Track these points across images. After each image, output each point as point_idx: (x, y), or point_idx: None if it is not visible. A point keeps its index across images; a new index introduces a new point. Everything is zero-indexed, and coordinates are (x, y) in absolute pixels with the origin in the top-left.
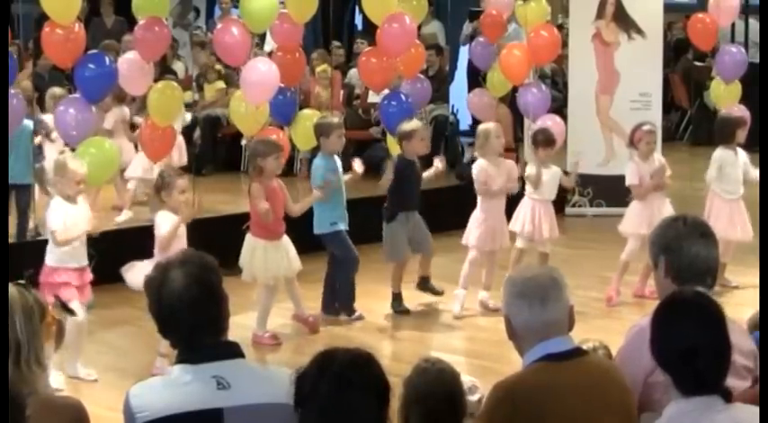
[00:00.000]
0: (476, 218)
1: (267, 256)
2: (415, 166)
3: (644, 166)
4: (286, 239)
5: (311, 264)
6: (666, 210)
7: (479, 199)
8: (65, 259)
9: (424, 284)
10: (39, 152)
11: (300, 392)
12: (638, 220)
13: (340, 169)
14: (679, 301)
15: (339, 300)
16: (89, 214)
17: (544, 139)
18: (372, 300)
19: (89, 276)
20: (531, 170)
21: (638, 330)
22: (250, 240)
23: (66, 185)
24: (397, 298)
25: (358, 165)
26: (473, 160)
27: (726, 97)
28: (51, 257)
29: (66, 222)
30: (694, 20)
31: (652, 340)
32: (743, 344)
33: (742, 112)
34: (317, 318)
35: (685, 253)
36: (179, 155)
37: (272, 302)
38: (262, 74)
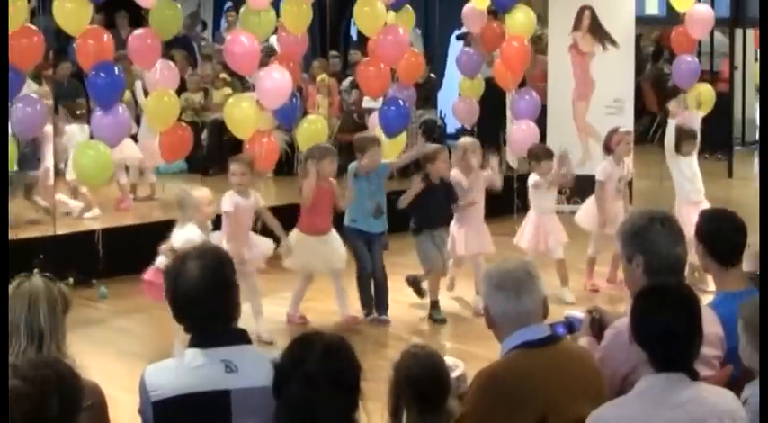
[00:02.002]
0: (454, 227)
1: (304, 250)
2: (438, 189)
3: (616, 169)
4: (334, 236)
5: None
6: (620, 207)
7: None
8: None
9: (414, 282)
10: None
11: (276, 385)
12: (595, 218)
13: (372, 177)
14: (662, 289)
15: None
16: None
17: (544, 153)
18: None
19: None
20: (539, 182)
21: (615, 332)
22: (295, 233)
23: (196, 213)
24: (435, 305)
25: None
26: None
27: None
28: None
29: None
30: (677, 32)
31: (634, 320)
32: (710, 332)
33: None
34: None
35: (664, 254)
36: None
37: (304, 288)
38: (276, 81)
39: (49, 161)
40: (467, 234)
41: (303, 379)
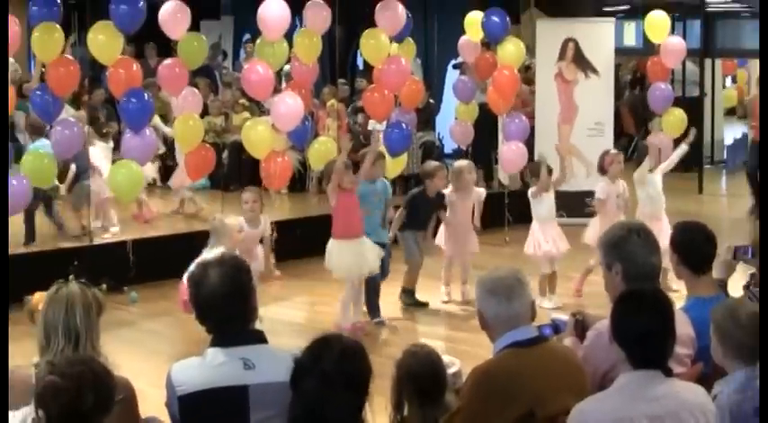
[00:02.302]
0: (445, 231)
1: (342, 255)
2: (431, 201)
3: (612, 187)
4: (365, 240)
5: None
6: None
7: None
8: None
9: (408, 296)
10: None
11: (293, 378)
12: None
13: (380, 192)
14: (639, 294)
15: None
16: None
17: (536, 169)
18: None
19: None
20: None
21: (597, 333)
22: (330, 242)
23: (227, 240)
24: (407, 292)
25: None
26: None
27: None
28: None
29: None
30: (653, 63)
31: (614, 322)
32: (683, 333)
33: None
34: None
35: (640, 263)
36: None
37: (350, 298)
38: (289, 106)
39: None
40: (456, 237)
41: (319, 376)
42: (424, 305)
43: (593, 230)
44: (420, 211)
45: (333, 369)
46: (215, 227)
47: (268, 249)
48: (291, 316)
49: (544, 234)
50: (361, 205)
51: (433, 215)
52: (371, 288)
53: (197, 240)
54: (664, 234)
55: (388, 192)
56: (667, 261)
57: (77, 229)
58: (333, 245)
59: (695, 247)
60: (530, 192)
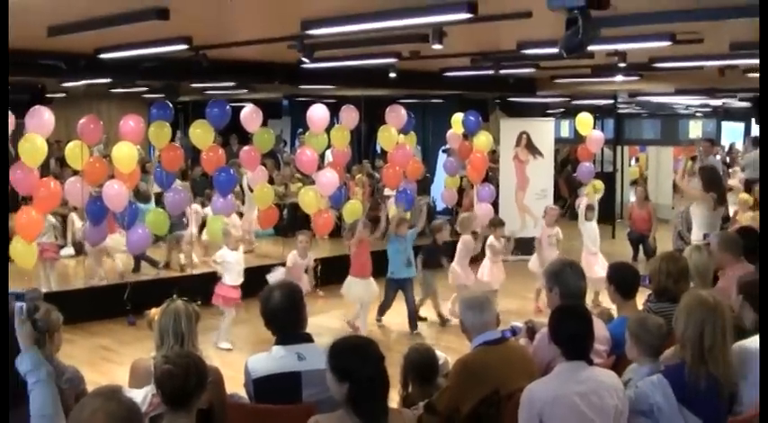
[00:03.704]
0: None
1: (354, 288)
2: (441, 247)
3: (547, 230)
4: (371, 280)
5: None
6: (555, 255)
7: (458, 257)
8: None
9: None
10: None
11: (348, 375)
12: (540, 264)
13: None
14: (568, 308)
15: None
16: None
17: (499, 223)
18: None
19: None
20: (493, 243)
21: (542, 336)
22: (349, 278)
23: (230, 241)
24: (440, 316)
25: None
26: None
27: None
28: (226, 278)
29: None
30: (581, 148)
31: (552, 328)
32: (600, 334)
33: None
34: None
35: (572, 286)
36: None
37: (359, 312)
38: (329, 178)
39: (192, 228)
40: (464, 270)
41: (374, 362)
42: (423, 319)
43: (534, 261)
44: (434, 256)
45: (376, 355)
46: (225, 231)
47: (311, 275)
48: (330, 323)
49: (489, 269)
50: (391, 250)
51: (441, 257)
52: (381, 309)
53: (261, 270)
54: (600, 264)
55: (412, 238)
56: (600, 286)
57: (176, 263)
58: (350, 280)
59: (626, 279)
60: (488, 243)
